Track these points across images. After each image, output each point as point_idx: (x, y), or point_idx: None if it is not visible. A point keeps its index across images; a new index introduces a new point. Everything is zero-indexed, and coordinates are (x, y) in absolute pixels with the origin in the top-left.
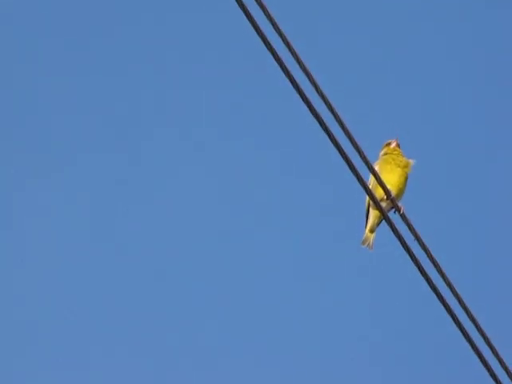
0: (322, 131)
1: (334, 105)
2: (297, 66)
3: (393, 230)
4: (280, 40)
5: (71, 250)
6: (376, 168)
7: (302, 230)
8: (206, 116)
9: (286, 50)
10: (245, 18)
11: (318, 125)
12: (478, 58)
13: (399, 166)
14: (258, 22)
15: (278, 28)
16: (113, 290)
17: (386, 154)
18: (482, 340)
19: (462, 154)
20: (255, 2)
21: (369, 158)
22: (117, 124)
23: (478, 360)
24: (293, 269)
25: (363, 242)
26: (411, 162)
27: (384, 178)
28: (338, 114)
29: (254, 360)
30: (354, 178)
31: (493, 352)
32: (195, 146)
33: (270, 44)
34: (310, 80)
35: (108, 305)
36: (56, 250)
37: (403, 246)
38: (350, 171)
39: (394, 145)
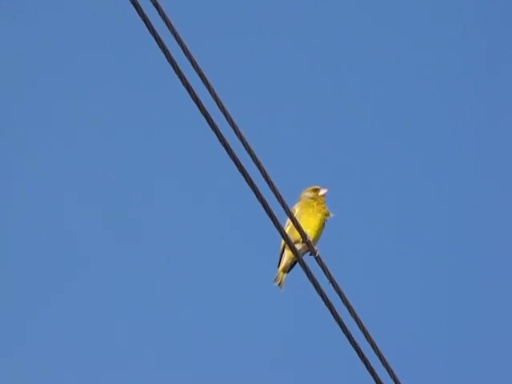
0: (238, 172)
1: (251, 146)
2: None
3: (307, 273)
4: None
5: None
6: (297, 209)
7: (216, 262)
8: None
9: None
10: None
11: (234, 165)
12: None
13: (320, 212)
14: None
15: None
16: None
17: (310, 198)
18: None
19: (376, 204)
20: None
21: (287, 201)
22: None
23: None
24: (204, 297)
25: (275, 281)
26: (331, 214)
27: (304, 219)
28: (256, 154)
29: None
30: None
31: None
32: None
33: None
34: (227, 119)
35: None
36: None
37: (316, 289)
38: (265, 213)
39: (323, 192)
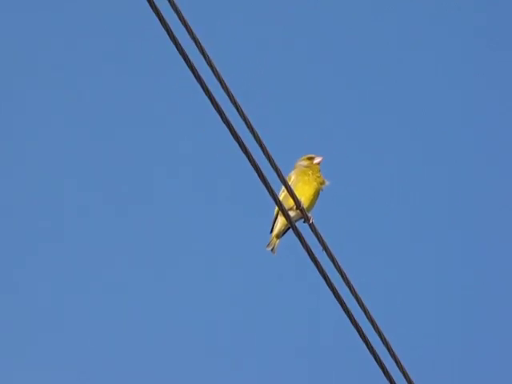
0: (233, 138)
1: (247, 115)
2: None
3: (300, 239)
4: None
5: None
6: (292, 176)
7: (210, 226)
8: None
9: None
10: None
11: (228, 132)
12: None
13: (316, 181)
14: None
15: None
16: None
17: (305, 166)
18: (386, 352)
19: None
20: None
21: (281, 168)
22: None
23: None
24: (196, 259)
25: (268, 246)
26: (327, 182)
27: (300, 187)
28: (251, 123)
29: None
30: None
31: (389, 352)
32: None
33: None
34: (223, 87)
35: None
36: None
37: (309, 255)
38: (259, 180)
39: (318, 161)
